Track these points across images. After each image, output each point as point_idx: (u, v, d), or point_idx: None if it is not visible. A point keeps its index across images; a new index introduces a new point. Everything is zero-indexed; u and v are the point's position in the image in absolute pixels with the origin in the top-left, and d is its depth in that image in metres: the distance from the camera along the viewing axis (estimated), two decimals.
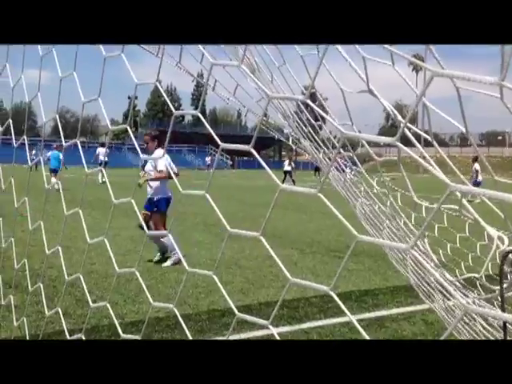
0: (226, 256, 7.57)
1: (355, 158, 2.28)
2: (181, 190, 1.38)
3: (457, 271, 3.01)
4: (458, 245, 3.09)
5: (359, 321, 4.80)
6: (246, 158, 74.89)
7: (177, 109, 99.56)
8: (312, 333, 4.49)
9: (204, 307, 5.11)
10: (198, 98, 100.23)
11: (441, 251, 3.05)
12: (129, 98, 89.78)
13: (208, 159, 52.29)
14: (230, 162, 70.80)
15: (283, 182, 27.60)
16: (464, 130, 1.28)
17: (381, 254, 6.76)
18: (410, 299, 5.36)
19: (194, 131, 77.60)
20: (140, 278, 1.65)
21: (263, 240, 1.22)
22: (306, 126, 2.56)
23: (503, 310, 1.24)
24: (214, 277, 1.36)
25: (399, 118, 1.51)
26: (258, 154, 1.29)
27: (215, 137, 1.31)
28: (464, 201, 1.41)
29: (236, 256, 7.58)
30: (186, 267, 1.37)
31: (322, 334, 4.47)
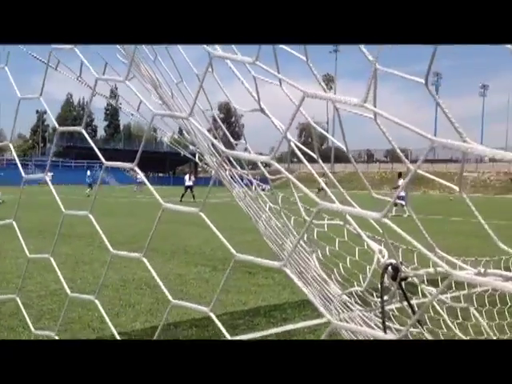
0: (136, 276, 7.38)
1: (250, 175, 2.31)
2: (63, 210, 1.31)
3: (355, 283, 3.12)
4: (358, 258, 3.20)
5: (268, 336, 4.84)
6: (161, 175, 73.91)
7: (89, 124, 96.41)
8: None
9: (108, 331, 4.92)
10: (111, 113, 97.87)
11: (341, 265, 3.14)
12: (37, 112, 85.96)
13: (139, 176, 48.78)
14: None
15: (182, 197, 27.40)
16: (345, 148, 1.33)
17: None
18: (316, 312, 5.48)
19: (107, 147, 75.70)
20: (21, 305, 1.55)
21: (145, 261, 1.20)
22: (205, 141, 2.56)
23: (384, 323, 1.29)
24: (96, 301, 1.30)
25: (289, 136, 1.54)
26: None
27: (99, 154, 1.27)
28: (348, 216, 1.46)
29: (146, 275, 7.39)
30: (68, 292, 1.31)
31: None
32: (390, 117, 0.93)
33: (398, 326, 1.98)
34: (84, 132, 1.36)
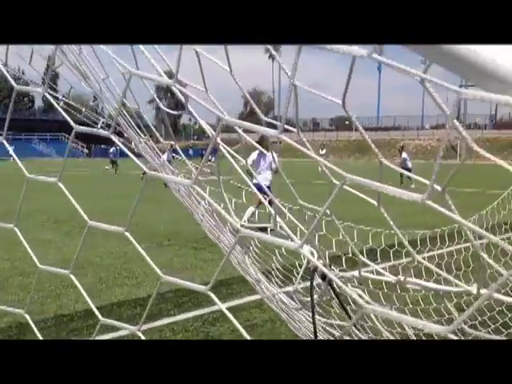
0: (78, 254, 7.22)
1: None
2: (27, 173, 1.14)
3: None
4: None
5: (213, 312, 4.87)
6: (103, 147, 71.51)
7: (25, 96, 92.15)
8: (165, 330, 4.46)
9: (50, 313, 4.82)
10: (49, 82, 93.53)
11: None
12: None
13: (112, 149, 33.45)
14: (86, 151, 67.32)
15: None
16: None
17: None
18: None
19: (45, 118, 72.68)
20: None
21: (129, 236, 1.14)
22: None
23: (313, 321, 1.30)
24: (72, 276, 1.21)
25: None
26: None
27: (69, 120, 1.17)
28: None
29: (89, 254, 7.22)
30: (38, 264, 1.21)
31: (176, 331, 4.46)
32: None
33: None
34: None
